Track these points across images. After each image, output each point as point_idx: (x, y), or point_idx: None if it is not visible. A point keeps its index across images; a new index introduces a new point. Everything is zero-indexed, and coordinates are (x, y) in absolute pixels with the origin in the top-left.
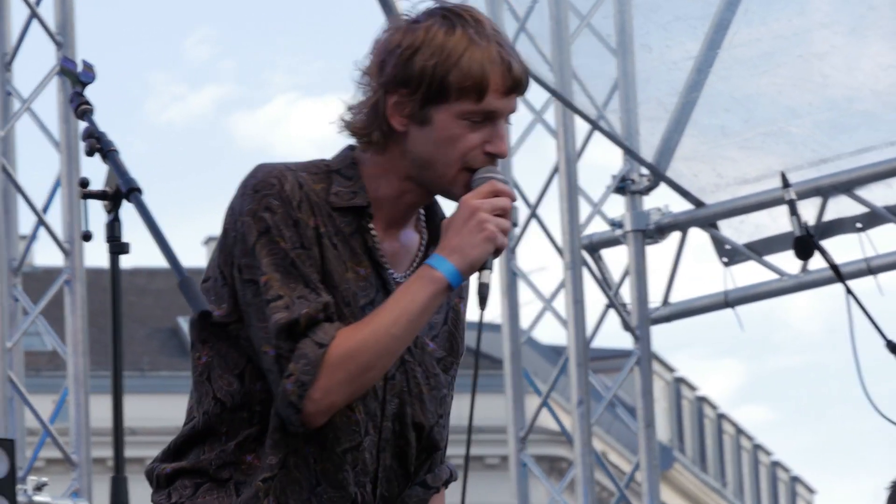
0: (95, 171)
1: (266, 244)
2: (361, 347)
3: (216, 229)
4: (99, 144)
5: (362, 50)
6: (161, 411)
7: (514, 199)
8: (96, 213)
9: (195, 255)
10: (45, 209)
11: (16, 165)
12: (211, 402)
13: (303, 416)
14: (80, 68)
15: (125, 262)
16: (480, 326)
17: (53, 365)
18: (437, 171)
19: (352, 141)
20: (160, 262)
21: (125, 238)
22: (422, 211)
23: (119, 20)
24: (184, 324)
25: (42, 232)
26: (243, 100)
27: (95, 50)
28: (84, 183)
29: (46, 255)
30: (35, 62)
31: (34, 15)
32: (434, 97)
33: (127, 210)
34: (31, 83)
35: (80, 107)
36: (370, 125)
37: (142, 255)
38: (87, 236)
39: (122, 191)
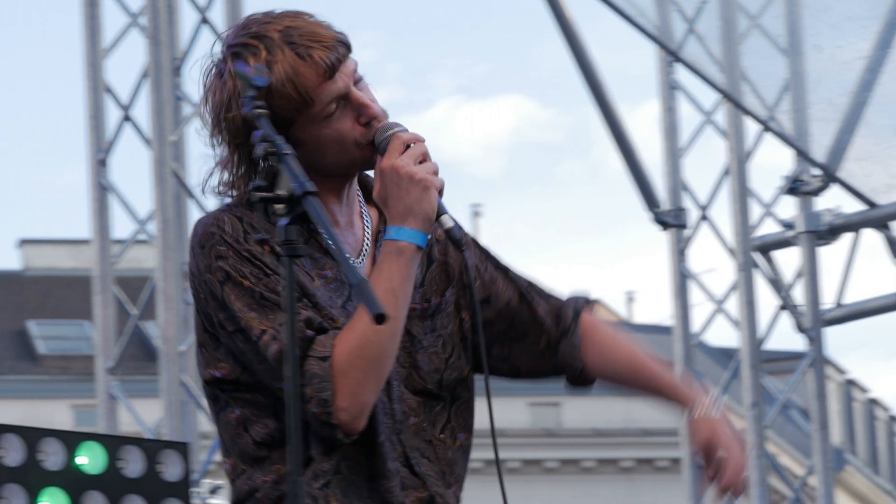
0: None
1: (232, 290)
2: (363, 341)
3: None
4: (272, 148)
5: (528, 53)
6: None
7: (423, 141)
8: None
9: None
10: None
11: (187, 170)
12: (254, 448)
13: (341, 428)
14: (252, 72)
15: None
16: (468, 270)
17: None
18: (341, 164)
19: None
20: None
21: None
22: (360, 196)
23: None
24: None
25: None
26: (408, 103)
27: None
28: (259, 188)
29: None
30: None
31: (204, 20)
32: (281, 125)
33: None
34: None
35: (253, 111)
36: (247, 175)
37: None
38: (260, 240)
39: (296, 194)
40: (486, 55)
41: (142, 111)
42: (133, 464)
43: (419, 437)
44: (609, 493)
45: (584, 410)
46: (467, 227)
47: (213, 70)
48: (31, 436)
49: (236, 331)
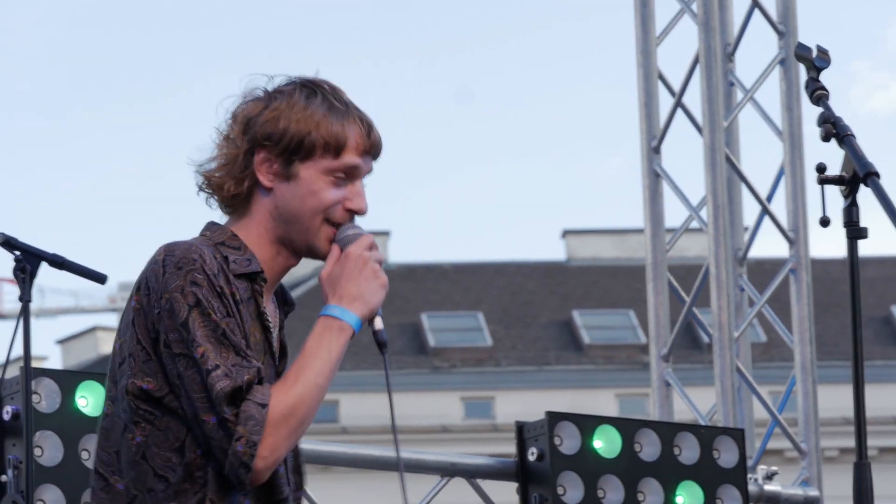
0: (819, 159)
1: (198, 317)
2: (298, 402)
3: None
4: (834, 129)
5: None
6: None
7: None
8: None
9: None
10: (769, 198)
11: (739, 155)
12: (153, 479)
13: (252, 474)
14: (814, 54)
15: (831, 251)
16: (387, 370)
17: (767, 356)
18: (301, 224)
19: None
20: (872, 250)
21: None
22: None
23: (827, 8)
24: None
25: (766, 221)
26: None
27: (807, 38)
28: (821, 168)
29: (770, 244)
30: (756, 52)
31: (756, 5)
32: (298, 154)
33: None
34: (752, 73)
35: (815, 92)
36: (230, 179)
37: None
38: (824, 222)
39: (858, 175)
40: None
41: (693, 97)
42: (688, 450)
43: None
44: None
45: None
46: None
47: (270, 88)
48: (588, 423)
49: (182, 355)
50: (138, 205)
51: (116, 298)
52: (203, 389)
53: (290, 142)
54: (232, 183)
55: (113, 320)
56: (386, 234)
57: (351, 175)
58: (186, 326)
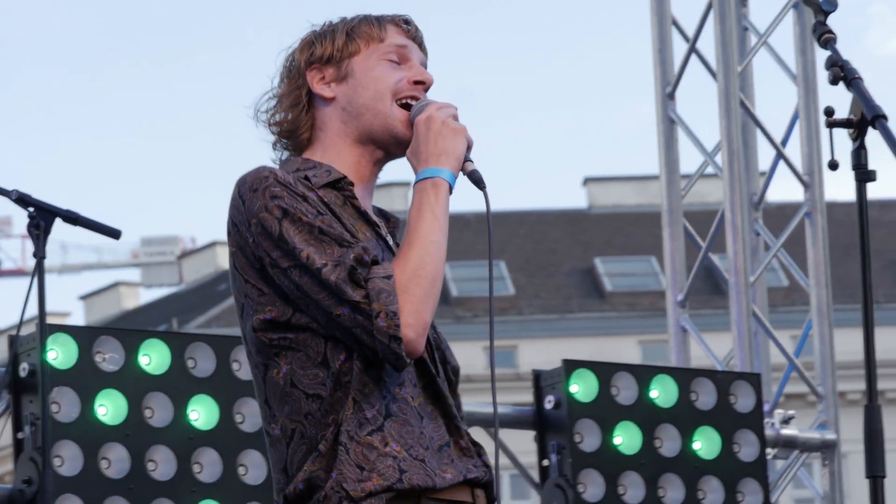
0: (833, 103)
1: (290, 225)
2: (419, 262)
3: None
4: (842, 73)
5: None
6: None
7: (456, 107)
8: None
9: None
10: (784, 142)
11: (754, 100)
12: (307, 402)
13: (406, 344)
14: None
15: (852, 194)
16: (489, 211)
17: (789, 300)
18: (373, 111)
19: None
20: (893, 193)
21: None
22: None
23: None
24: None
25: (781, 165)
26: None
27: None
28: (829, 112)
29: (785, 188)
30: None
31: None
32: (344, 52)
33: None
34: (766, 18)
35: (822, 36)
36: (297, 118)
37: (877, 185)
38: (833, 165)
39: (866, 118)
40: None
41: (708, 43)
42: (705, 396)
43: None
44: None
45: None
46: None
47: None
48: (605, 371)
49: (292, 266)
50: (165, 161)
51: (139, 254)
52: (323, 288)
53: (333, 48)
54: (294, 114)
55: (136, 275)
56: (406, 184)
57: (403, 57)
58: (283, 238)
